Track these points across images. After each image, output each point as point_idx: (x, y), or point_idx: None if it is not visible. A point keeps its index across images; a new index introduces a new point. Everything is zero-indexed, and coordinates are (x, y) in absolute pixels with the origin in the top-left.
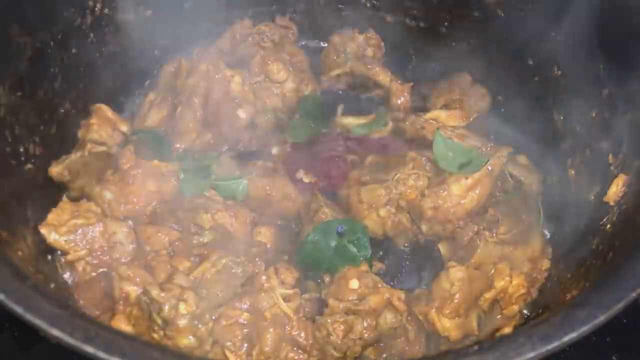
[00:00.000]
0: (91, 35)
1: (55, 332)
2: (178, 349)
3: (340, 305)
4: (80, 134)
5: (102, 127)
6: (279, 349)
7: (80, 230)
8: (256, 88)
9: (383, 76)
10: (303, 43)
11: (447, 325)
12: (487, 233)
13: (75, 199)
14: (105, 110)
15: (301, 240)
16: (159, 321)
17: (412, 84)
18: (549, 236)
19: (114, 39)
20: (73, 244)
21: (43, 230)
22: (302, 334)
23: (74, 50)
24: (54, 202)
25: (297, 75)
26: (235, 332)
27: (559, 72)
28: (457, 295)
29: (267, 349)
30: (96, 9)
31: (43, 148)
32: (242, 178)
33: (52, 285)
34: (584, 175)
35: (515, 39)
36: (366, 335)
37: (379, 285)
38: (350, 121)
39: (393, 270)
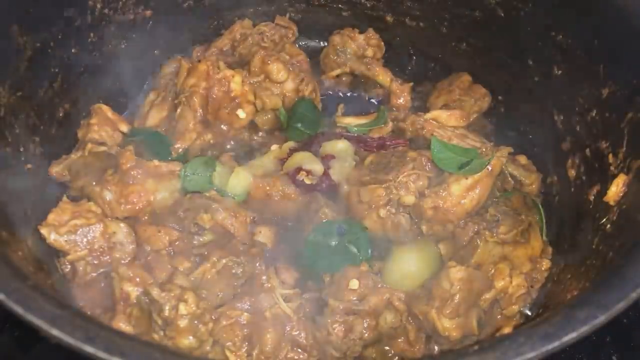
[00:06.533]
0: (91, 35)
1: (55, 332)
2: (178, 349)
3: (340, 306)
4: (80, 134)
5: (102, 127)
6: (279, 349)
7: (80, 231)
8: (256, 88)
9: (383, 76)
10: (303, 43)
11: (447, 325)
12: (487, 233)
13: (75, 199)
14: (105, 110)
15: (301, 240)
16: (159, 321)
17: (412, 84)
18: (549, 236)
19: (114, 39)
20: (73, 244)
21: (43, 230)
22: (302, 334)
23: (74, 50)
24: (54, 202)
25: (297, 75)
26: (235, 332)
27: (559, 72)
28: (457, 295)
29: (267, 349)
30: (96, 9)
31: (43, 148)
32: (242, 178)
33: (52, 286)
34: (584, 175)
35: (516, 39)
36: (366, 335)
37: (379, 285)
38: (350, 121)
39: None
